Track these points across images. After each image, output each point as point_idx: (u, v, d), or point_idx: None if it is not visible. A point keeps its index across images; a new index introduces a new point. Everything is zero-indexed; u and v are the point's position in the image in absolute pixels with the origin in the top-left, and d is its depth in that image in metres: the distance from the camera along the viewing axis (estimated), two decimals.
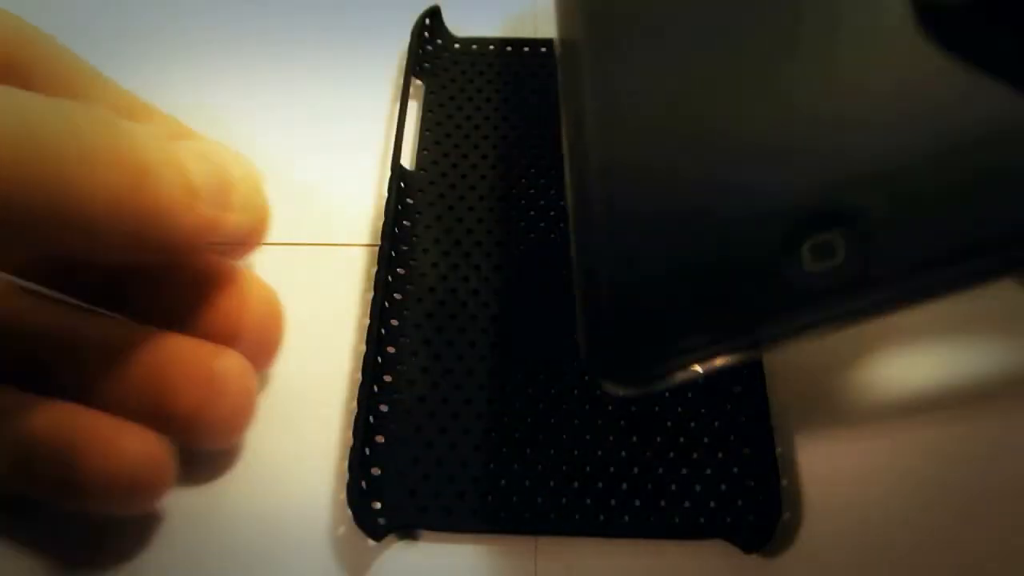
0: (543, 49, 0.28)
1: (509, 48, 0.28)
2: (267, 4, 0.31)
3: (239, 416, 0.20)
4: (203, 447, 0.20)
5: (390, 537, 0.18)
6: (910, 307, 0.15)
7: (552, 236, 0.23)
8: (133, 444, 0.18)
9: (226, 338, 0.20)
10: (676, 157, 0.16)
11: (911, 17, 0.16)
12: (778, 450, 0.19)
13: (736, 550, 0.19)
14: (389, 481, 0.19)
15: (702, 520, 0.19)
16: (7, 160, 0.15)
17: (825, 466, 0.20)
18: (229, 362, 0.19)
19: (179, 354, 0.19)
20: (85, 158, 0.16)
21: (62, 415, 0.19)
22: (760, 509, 0.19)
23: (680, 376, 0.15)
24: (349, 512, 0.19)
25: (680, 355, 0.15)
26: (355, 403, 0.20)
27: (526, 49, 0.28)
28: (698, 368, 0.15)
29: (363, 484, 0.19)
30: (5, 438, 0.19)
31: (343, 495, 0.19)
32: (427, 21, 0.28)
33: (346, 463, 0.19)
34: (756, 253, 0.15)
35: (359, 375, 0.21)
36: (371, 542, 0.19)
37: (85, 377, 0.19)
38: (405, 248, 0.23)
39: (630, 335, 0.16)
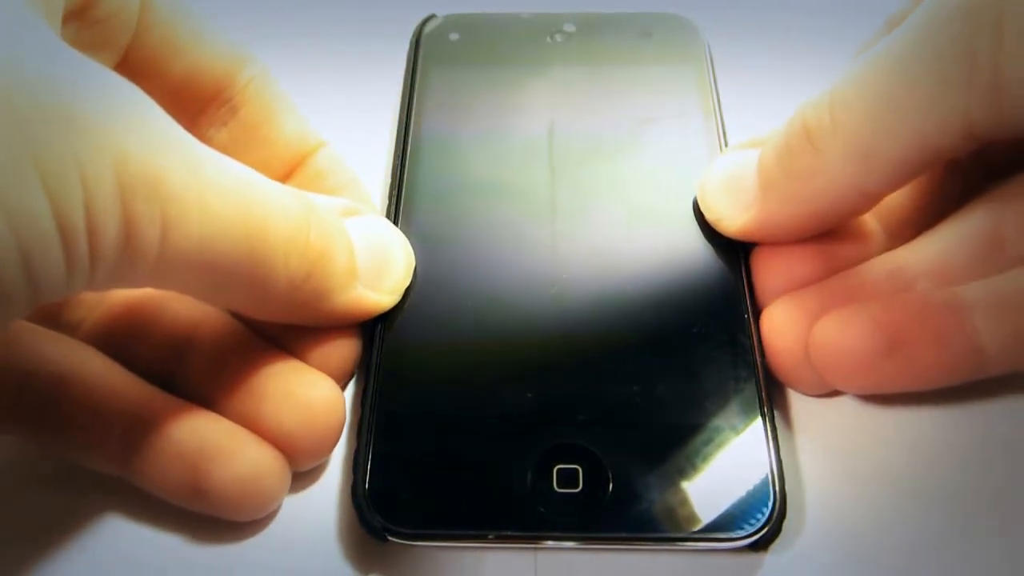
0: None
1: None
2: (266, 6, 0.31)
3: (327, 443, 0.20)
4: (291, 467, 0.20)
5: (393, 538, 0.19)
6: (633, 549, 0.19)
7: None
8: (257, 454, 0.19)
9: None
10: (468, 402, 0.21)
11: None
12: (780, 450, 0.20)
13: (741, 550, 0.19)
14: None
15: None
16: (238, 234, 0.17)
17: (831, 465, 0.21)
18: (326, 390, 0.20)
19: (280, 375, 0.20)
20: (286, 242, 0.18)
21: (192, 417, 0.19)
22: (764, 507, 0.19)
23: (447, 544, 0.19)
24: (354, 513, 0.19)
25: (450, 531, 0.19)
26: (359, 405, 0.20)
27: None
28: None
29: (366, 485, 0.19)
30: (135, 431, 0.19)
31: (348, 496, 0.19)
32: (423, 29, 0.28)
33: (351, 464, 0.20)
34: (517, 468, 0.19)
35: (363, 376, 0.21)
36: (375, 543, 0.19)
37: (202, 378, 0.20)
38: None
39: (419, 504, 0.19)
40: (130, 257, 0.15)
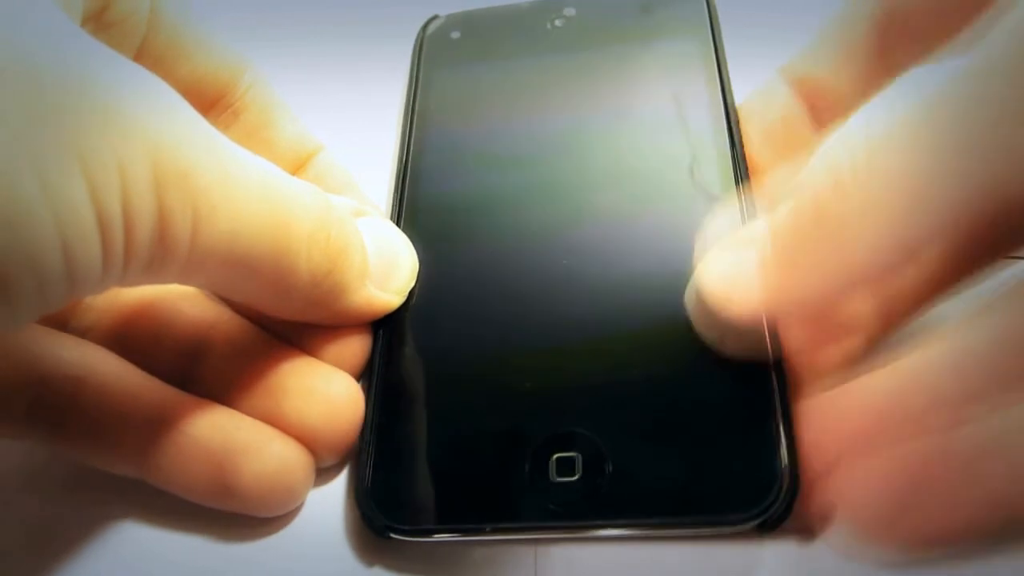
0: None
1: None
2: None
3: (349, 436, 0.20)
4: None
5: (396, 535, 0.19)
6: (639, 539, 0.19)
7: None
8: (283, 449, 0.19)
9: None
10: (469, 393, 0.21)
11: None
12: (791, 425, 0.18)
13: (738, 540, 0.19)
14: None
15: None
16: (263, 229, 0.17)
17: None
18: (346, 384, 0.20)
19: (299, 371, 0.20)
20: (309, 237, 0.18)
21: (214, 414, 0.20)
22: (772, 485, 0.18)
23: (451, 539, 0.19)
24: (356, 510, 0.19)
25: (451, 525, 0.19)
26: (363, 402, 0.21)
27: None
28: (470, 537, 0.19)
29: (368, 485, 0.19)
30: (156, 431, 0.19)
31: (351, 493, 0.20)
32: (426, 31, 0.28)
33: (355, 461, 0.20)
34: (514, 459, 0.19)
35: (364, 377, 0.21)
36: (377, 540, 0.19)
37: (219, 378, 0.21)
38: None
39: (421, 501, 0.19)
40: (162, 252, 0.15)
